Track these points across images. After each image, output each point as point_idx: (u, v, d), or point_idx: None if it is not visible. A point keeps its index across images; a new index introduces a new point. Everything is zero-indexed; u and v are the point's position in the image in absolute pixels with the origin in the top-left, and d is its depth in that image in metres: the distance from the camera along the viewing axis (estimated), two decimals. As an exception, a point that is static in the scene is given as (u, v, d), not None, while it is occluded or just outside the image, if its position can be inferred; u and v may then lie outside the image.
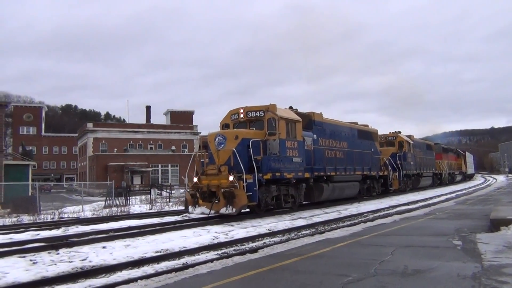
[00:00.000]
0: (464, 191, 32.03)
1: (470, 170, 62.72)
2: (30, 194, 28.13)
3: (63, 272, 7.54)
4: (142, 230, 12.16)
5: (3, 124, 33.69)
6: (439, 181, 39.52)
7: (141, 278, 6.75)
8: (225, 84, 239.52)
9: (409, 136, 32.01)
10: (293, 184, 16.52)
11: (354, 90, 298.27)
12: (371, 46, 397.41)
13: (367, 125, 25.62)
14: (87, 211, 22.56)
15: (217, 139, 15.13)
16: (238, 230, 12.08)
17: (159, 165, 57.62)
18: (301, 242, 9.25)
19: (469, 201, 20.13)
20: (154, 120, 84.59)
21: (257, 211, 15.25)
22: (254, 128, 15.96)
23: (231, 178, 13.81)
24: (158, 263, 8.22)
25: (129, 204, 25.91)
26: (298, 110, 18.17)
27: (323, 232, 11.33)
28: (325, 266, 6.61)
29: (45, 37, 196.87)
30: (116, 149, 62.16)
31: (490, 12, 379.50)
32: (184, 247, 9.68)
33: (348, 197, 21.19)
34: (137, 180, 54.15)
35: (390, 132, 31.24)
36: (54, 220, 17.88)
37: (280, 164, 15.18)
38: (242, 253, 8.70)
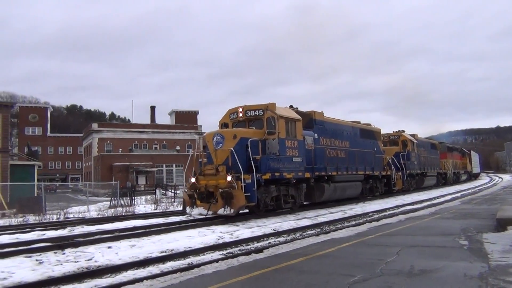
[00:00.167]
0: (469, 191, 31.87)
1: (476, 169, 62.43)
2: (35, 194, 28.26)
3: (69, 272, 7.56)
4: (147, 230, 12.17)
5: (9, 125, 33.85)
6: (443, 180, 39.24)
7: (147, 278, 6.76)
8: (230, 84, 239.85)
9: (413, 135, 31.71)
10: (293, 184, 16.25)
11: (358, 89, 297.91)
12: (375, 46, 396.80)
13: (369, 124, 25.35)
14: (93, 211, 22.66)
15: (215, 139, 14.89)
16: (243, 230, 12.08)
17: (164, 165, 57.78)
18: (306, 242, 9.23)
19: (475, 201, 20.02)
20: (159, 120, 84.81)
21: (256, 212, 15.00)
22: (254, 127, 15.70)
23: (229, 178, 13.51)
24: (163, 263, 8.23)
25: (134, 204, 26.00)
26: (299, 109, 17.97)
27: (328, 232, 11.31)
28: (331, 266, 6.59)
29: (50, 38, 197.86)
30: (121, 149, 62.41)
31: (495, 11, 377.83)
32: (189, 247, 9.68)
33: (350, 197, 20.95)
34: (142, 180, 54.34)
35: (393, 131, 30.89)
36: (60, 220, 17.97)
37: (279, 164, 14.95)
38: (247, 253, 8.69)
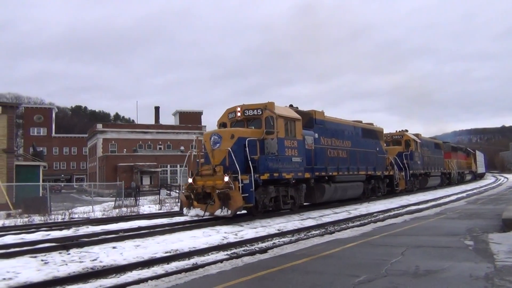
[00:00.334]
0: (475, 191, 31.71)
1: (481, 169, 62.14)
2: (41, 195, 28.41)
3: (74, 272, 7.58)
4: (151, 230, 12.20)
5: (14, 125, 34.02)
6: (448, 180, 39.02)
7: (151, 278, 6.76)
8: (234, 84, 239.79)
9: (416, 135, 31.47)
10: (293, 185, 15.98)
11: (363, 89, 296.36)
12: (380, 45, 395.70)
13: (372, 124, 25.17)
14: (97, 211, 22.73)
15: (212, 138, 14.69)
16: (248, 230, 12.07)
17: (168, 166, 57.92)
18: (310, 242, 9.21)
19: (480, 201, 19.92)
20: (163, 120, 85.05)
21: (255, 213, 14.78)
22: (253, 127, 15.47)
23: (226, 178, 13.32)
24: (168, 264, 8.23)
25: (138, 205, 26.08)
26: (299, 109, 17.81)
27: (333, 232, 11.27)
28: (336, 266, 6.58)
29: (55, 39, 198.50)
30: (125, 149, 62.65)
31: (500, 10, 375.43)
32: (193, 247, 9.68)
33: (352, 197, 20.68)
34: (146, 181, 54.50)
35: (396, 131, 30.67)
36: (65, 220, 18.04)
37: (278, 164, 14.71)
38: (252, 253, 8.68)
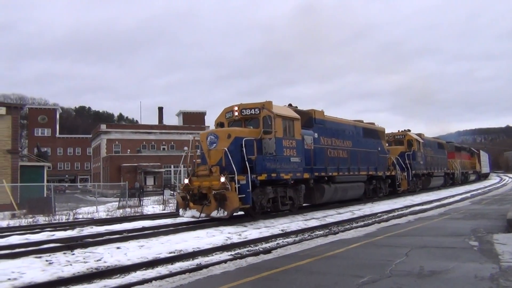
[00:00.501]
0: (479, 191, 31.57)
1: (485, 169, 61.84)
2: (45, 195, 28.54)
3: (79, 272, 7.61)
4: (155, 230, 12.23)
5: (19, 126, 34.17)
6: (451, 181, 38.77)
7: (155, 278, 6.77)
8: (237, 85, 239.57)
9: (419, 135, 31.20)
10: (292, 185, 15.73)
11: (366, 89, 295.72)
12: (383, 46, 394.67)
13: (373, 123, 24.97)
14: (101, 211, 22.78)
15: (209, 138, 14.40)
16: (251, 231, 12.07)
17: (172, 166, 57.94)
18: (314, 243, 9.21)
19: (484, 201, 19.84)
20: (167, 121, 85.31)
21: (252, 214, 14.56)
22: (251, 127, 15.25)
23: (222, 179, 13.02)
24: (172, 264, 8.25)
25: (142, 205, 26.10)
26: (299, 108, 17.62)
27: (337, 233, 11.26)
28: (340, 267, 6.57)
29: (59, 41, 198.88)
30: (129, 150, 62.83)
31: (504, 10, 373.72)
32: (197, 247, 9.69)
33: (352, 198, 20.45)
34: (150, 181, 54.62)
35: (398, 131, 30.47)
36: (69, 220, 18.09)
37: (276, 164, 14.44)
38: (256, 253, 8.68)
